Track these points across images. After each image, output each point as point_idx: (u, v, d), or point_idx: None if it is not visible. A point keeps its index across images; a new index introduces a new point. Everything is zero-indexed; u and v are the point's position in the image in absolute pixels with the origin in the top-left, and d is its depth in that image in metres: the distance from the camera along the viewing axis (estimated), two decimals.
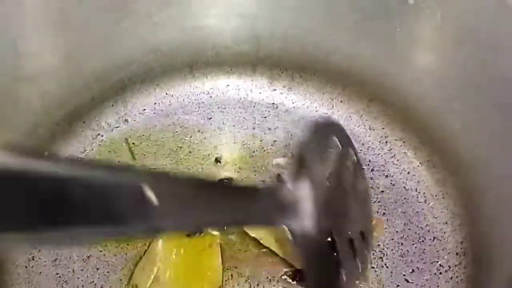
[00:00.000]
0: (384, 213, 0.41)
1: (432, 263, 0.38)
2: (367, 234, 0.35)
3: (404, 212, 0.41)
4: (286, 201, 0.29)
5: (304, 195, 0.30)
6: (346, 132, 0.36)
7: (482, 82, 0.35)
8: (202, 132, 0.45)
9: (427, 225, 0.40)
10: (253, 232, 0.38)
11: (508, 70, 0.33)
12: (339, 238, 0.32)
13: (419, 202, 0.41)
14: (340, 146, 0.34)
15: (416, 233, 0.40)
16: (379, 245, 0.39)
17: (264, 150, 0.44)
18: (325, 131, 0.34)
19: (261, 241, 0.38)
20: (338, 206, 0.33)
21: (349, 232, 0.33)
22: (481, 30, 0.35)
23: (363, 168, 0.38)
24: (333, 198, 0.32)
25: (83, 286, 0.37)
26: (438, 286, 0.37)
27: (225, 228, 0.38)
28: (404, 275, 0.38)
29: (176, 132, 0.45)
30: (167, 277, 0.36)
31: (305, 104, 0.47)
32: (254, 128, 0.46)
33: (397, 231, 0.40)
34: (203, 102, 0.47)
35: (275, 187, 0.31)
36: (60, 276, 0.38)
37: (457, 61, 0.37)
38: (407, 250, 0.39)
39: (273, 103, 0.48)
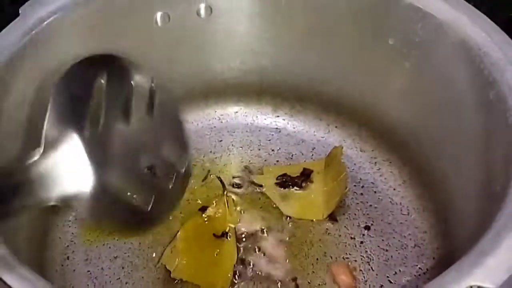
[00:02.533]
0: (372, 224, 0.46)
1: (412, 266, 0.43)
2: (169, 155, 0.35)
3: (389, 223, 0.45)
4: (34, 175, 0.26)
5: (61, 157, 0.27)
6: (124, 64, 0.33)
7: (446, 111, 0.41)
8: (213, 153, 0.51)
9: (409, 234, 0.45)
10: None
11: (465, 100, 0.39)
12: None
13: (403, 214, 0.46)
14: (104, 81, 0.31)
15: (399, 241, 0.44)
16: (366, 251, 0.44)
17: None
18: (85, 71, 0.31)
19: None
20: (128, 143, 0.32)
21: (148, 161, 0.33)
22: (444, 68, 0.40)
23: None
24: (117, 137, 0.31)
25: (110, 281, 0.42)
26: (417, 286, 0.42)
27: None
28: (387, 276, 0.42)
29: (191, 152, 0.51)
30: (190, 260, 0.42)
31: (305, 129, 0.52)
32: (259, 150, 0.51)
33: (382, 239, 0.45)
34: (214, 127, 0.53)
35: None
36: (90, 273, 0.43)
37: (427, 93, 0.42)
38: (391, 256, 0.43)
39: (276, 128, 0.52)
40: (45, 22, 0.41)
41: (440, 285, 0.25)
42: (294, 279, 0.42)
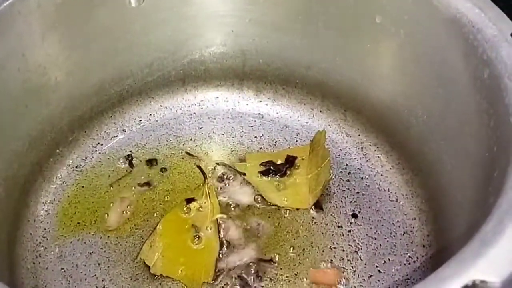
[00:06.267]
0: (359, 211, 0.44)
1: (402, 255, 0.42)
2: None
3: (377, 210, 0.44)
4: None
5: None
6: None
7: (437, 91, 0.39)
8: (194, 141, 0.49)
9: (398, 221, 0.44)
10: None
11: (457, 80, 0.37)
12: None
13: (391, 200, 0.45)
14: None
15: (388, 228, 0.43)
16: (354, 240, 0.43)
17: None
18: None
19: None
20: None
21: None
22: (435, 47, 0.38)
23: None
24: None
25: (86, 279, 0.40)
26: (407, 275, 0.41)
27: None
28: (376, 266, 0.41)
29: (170, 140, 0.49)
30: (170, 255, 0.41)
31: (288, 114, 0.51)
32: (241, 137, 0.49)
33: (371, 227, 0.43)
34: (194, 113, 0.51)
35: None
36: (65, 271, 0.41)
37: (418, 73, 0.41)
38: (380, 244, 0.42)
39: (259, 114, 0.51)
40: (8, 2, 0.38)
41: (440, 279, 0.24)
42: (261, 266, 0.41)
